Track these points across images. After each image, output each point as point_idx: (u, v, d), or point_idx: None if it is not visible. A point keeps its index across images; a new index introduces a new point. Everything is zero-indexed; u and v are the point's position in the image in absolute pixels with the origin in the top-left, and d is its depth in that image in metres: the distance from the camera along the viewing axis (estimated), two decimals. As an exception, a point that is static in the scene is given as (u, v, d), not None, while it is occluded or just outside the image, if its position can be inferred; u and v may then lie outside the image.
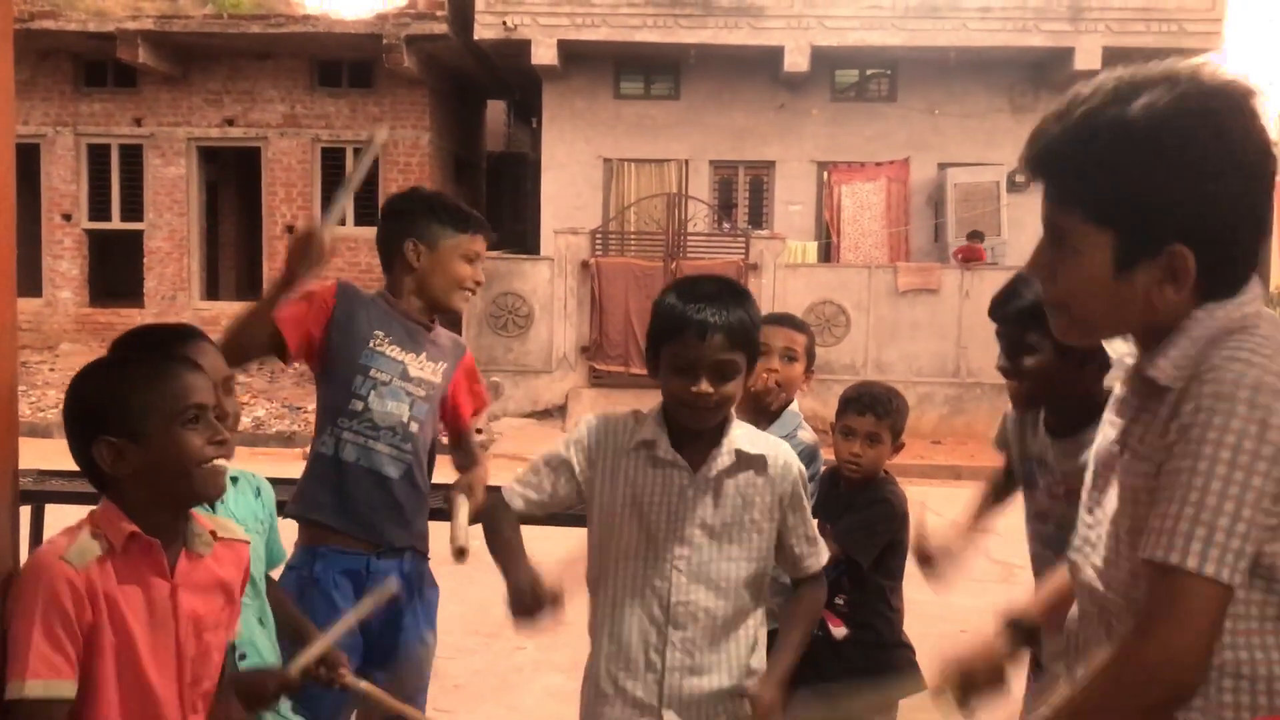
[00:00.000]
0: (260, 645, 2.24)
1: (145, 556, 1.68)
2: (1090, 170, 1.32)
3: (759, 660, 2.24)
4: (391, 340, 2.76)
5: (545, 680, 5.01)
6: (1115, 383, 1.59)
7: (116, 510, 1.68)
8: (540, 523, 2.31)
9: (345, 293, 2.79)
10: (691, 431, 2.16)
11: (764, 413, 2.93)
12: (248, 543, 1.91)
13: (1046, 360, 2.24)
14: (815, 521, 2.32)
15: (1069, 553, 1.57)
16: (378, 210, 14.84)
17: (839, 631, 2.94)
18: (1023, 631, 1.84)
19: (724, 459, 2.16)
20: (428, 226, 2.76)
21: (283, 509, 2.66)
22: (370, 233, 14.47)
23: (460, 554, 2.55)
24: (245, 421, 12.32)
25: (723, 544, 2.15)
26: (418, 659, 2.73)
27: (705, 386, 2.06)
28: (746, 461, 2.18)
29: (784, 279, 13.38)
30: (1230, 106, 1.30)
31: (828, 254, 14.70)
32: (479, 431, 3.00)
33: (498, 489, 2.35)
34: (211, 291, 16.41)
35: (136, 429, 1.66)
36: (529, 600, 2.03)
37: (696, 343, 2.05)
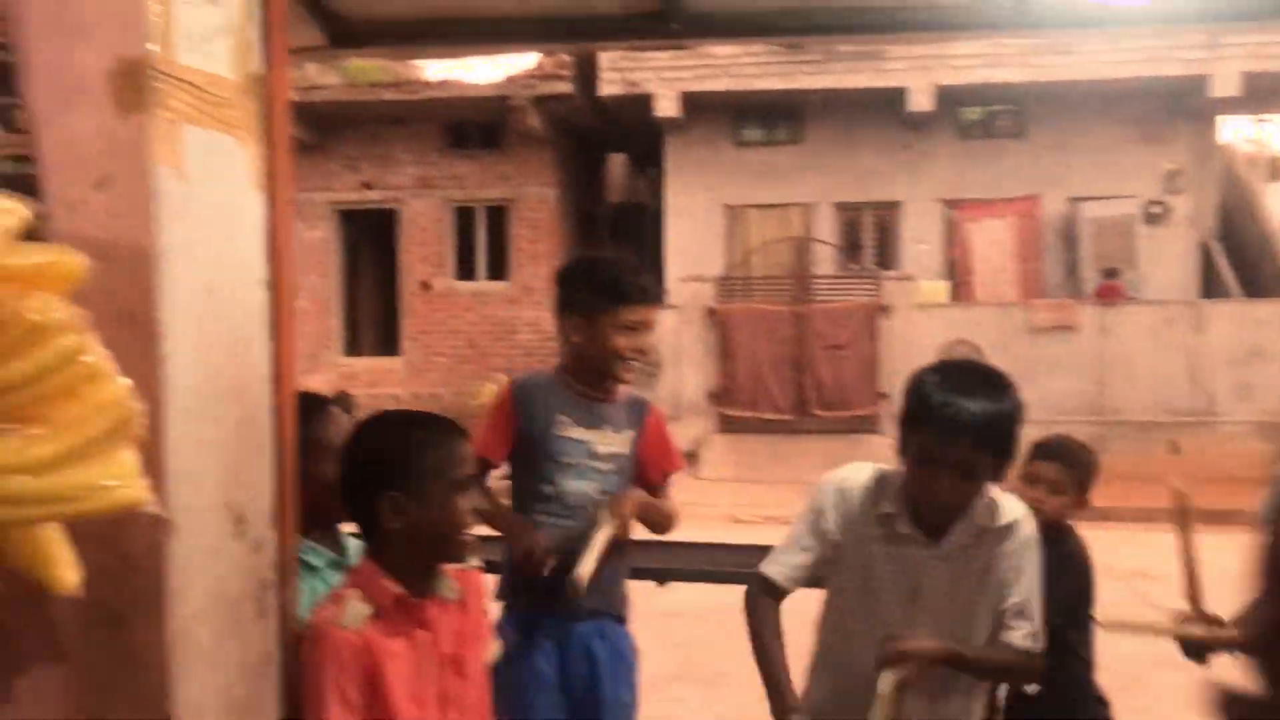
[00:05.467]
0: None
1: (408, 614, 1.82)
2: None
3: None
4: (574, 421, 2.78)
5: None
6: None
7: (378, 570, 1.82)
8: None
9: (520, 391, 2.83)
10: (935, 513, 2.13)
11: None
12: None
13: None
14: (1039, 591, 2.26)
15: None
16: (506, 264, 15.15)
17: (1031, 688, 2.92)
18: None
19: (964, 534, 2.12)
20: (584, 298, 2.74)
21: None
22: (499, 286, 14.92)
23: (574, 588, 2.62)
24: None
25: (958, 614, 2.14)
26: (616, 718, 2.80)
27: (944, 483, 2.02)
28: (990, 534, 2.14)
29: (916, 319, 13.26)
30: None
31: (957, 293, 14.51)
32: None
33: (757, 575, 2.33)
34: (353, 348, 17.01)
35: (419, 487, 1.79)
36: None
37: (941, 441, 2.00)
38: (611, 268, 2.78)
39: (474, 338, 15.00)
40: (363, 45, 3.27)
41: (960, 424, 1.96)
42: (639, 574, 3.18)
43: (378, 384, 15.33)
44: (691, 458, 13.54)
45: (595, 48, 2.85)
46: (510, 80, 14.84)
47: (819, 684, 2.28)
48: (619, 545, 2.79)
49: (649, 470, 2.94)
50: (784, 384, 13.36)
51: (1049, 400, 12.98)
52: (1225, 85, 13.43)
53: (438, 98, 15.02)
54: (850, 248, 15.37)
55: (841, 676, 2.21)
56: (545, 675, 2.75)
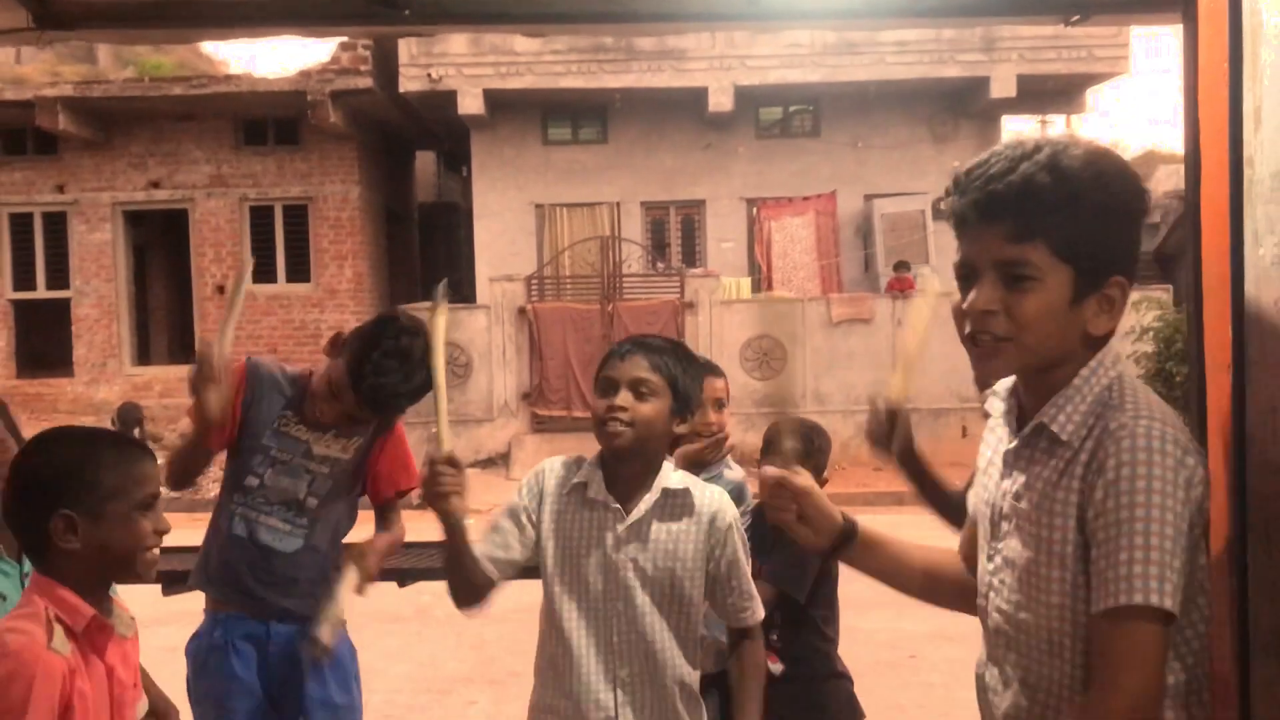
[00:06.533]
0: None
1: (96, 638, 1.71)
2: (1059, 207, 1.42)
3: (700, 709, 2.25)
4: (299, 420, 2.74)
5: (494, 734, 4.96)
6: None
7: (67, 591, 1.68)
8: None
9: (254, 373, 2.76)
10: (624, 474, 2.18)
11: (701, 465, 2.96)
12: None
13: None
14: (749, 563, 2.30)
15: (977, 599, 1.62)
16: (308, 268, 14.60)
17: (775, 668, 2.96)
18: None
19: (650, 497, 2.17)
20: (351, 361, 2.63)
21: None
22: (301, 289, 14.39)
23: (317, 646, 2.59)
24: (182, 487, 12.08)
25: (654, 593, 2.15)
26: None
27: (621, 399, 2.14)
28: (674, 501, 2.18)
29: (720, 315, 13.49)
30: (1124, 162, 1.51)
31: (760, 288, 14.85)
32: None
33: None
34: (143, 357, 16.13)
35: (96, 507, 1.69)
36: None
37: (617, 361, 2.21)
38: (385, 365, 2.61)
39: (275, 343, 14.44)
40: (72, 28, 3.03)
41: (634, 347, 2.22)
42: (383, 575, 3.07)
43: (171, 393, 14.58)
44: (504, 459, 13.41)
45: (323, 33, 2.74)
46: (305, 74, 14.36)
47: (543, 680, 2.24)
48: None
49: (380, 484, 2.88)
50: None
51: (849, 390, 13.44)
52: (1002, 87, 14.19)
53: (230, 92, 14.40)
54: (657, 246, 15.54)
55: (561, 651, 2.19)
56: (243, 679, 2.69)
